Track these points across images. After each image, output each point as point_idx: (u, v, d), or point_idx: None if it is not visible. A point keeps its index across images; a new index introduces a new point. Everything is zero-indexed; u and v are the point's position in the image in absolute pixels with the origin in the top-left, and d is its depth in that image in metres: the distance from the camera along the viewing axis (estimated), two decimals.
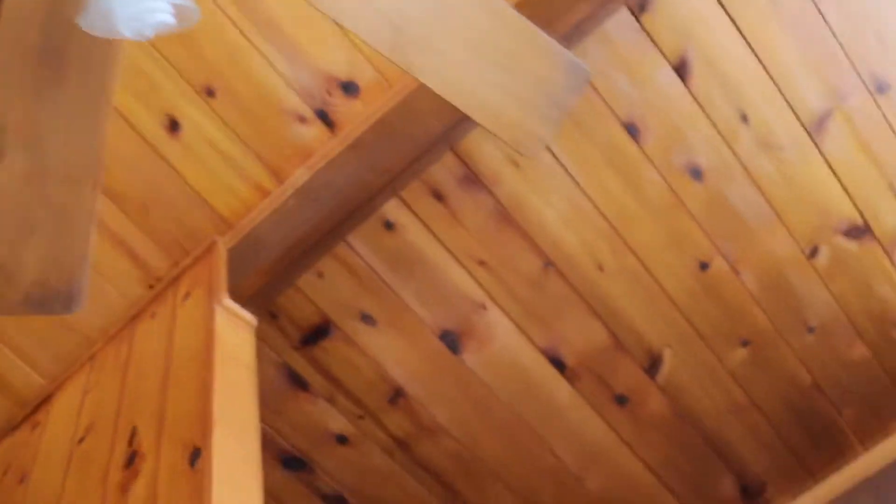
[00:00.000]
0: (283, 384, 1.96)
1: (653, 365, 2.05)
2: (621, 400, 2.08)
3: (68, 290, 1.13)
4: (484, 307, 1.91)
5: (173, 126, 1.77)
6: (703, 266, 1.95)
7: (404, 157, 1.65)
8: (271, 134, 1.77)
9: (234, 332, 1.62)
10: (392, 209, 1.80)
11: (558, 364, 2.01)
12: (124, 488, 1.42)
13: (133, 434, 1.53)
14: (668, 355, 2.04)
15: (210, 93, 1.75)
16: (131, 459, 1.47)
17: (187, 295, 1.75)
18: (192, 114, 1.77)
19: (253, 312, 1.69)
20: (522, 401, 2.05)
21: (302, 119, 1.76)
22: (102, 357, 1.89)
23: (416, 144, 1.66)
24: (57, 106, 0.98)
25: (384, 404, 2.00)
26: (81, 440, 1.69)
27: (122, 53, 0.97)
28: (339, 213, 1.66)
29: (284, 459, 2.06)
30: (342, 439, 2.04)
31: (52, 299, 1.13)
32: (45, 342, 1.99)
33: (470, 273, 1.87)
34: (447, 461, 2.12)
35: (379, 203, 1.70)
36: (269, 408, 2.00)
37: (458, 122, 1.65)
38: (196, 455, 1.31)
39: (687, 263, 1.94)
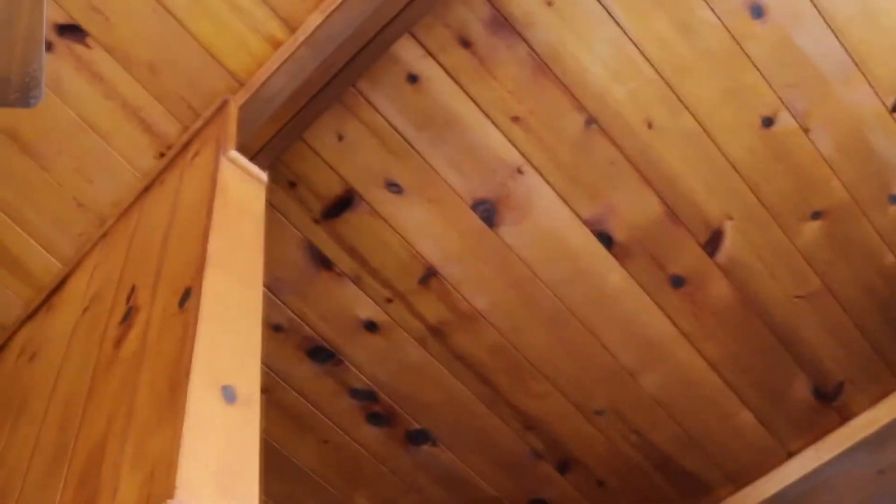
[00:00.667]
0: (306, 263, 1.82)
1: (712, 240, 1.85)
2: (677, 282, 1.88)
3: (21, 76, 0.99)
4: (520, 171, 1.73)
5: None
6: (767, 122, 1.73)
7: None
8: None
9: (240, 184, 1.48)
10: (416, 60, 1.63)
11: (605, 239, 1.82)
12: (118, 343, 1.30)
13: (132, 292, 1.40)
14: (728, 229, 1.83)
15: None
16: (127, 315, 1.35)
17: (196, 154, 1.62)
18: None
19: (271, 179, 1.55)
20: (568, 284, 1.87)
21: None
22: (113, 232, 1.78)
23: None
24: None
25: (415, 286, 1.85)
26: (85, 310, 1.58)
27: None
28: (350, 56, 1.50)
29: (311, 350, 1.93)
30: (371, 326, 1.90)
31: (6, 85, 0.99)
32: (61, 224, 1.89)
33: (503, 132, 1.69)
34: (487, 354, 1.96)
35: (392, 37, 1.52)
36: (293, 292, 1.86)
37: None
38: (186, 295, 1.18)
39: (749, 120, 1.73)
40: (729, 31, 1.65)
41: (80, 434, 1.16)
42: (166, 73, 1.71)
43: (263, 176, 1.54)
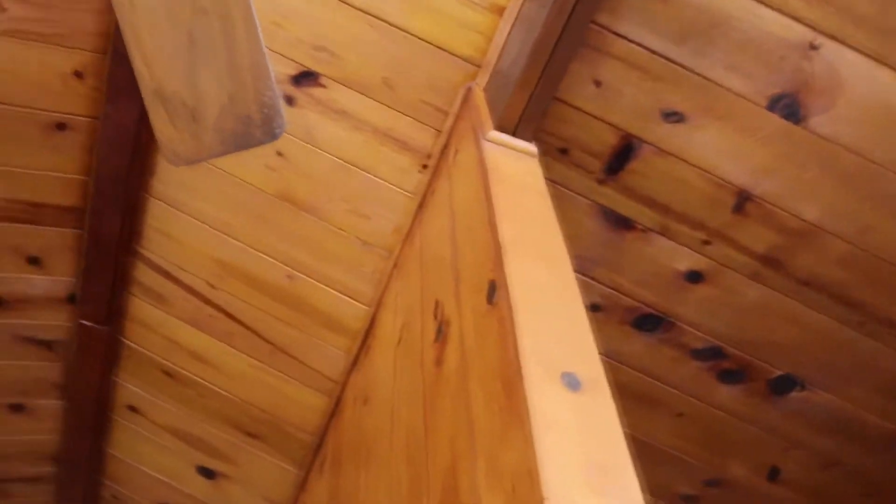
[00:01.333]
0: (604, 229, 1.65)
1: None
2: None
3: (260, 109, 0.93)
4: (813, 46, 1.44)
5: None
6: None
7: None
8: None
9: (512, 161, 1.35)
10: None
11: None
12: (438, 362, 1.21)
13: (437, 307, 1.32)
14: None
15: None
16: (439, 331, 1.26)
17: (456, 152, 1.53)
18: None
19: (539, 152, 1.42)
20: None
21: None
22: (403, 258, 1.73)
23: None
24: None
25: (730, 217, 1.61)
26: (399, 341, 1.53)
27: None
28: None
29: (636, 321, 1.75)
30: (695, 276, 1.68)
31: (248, 124, 0.94)
32: (353, 268, 1.89)
33: (778, 8, 1.41)
34: (837, 269, 1.66)
35: None
36: (600, 265, 1.70)
37: None
38: (492, 289, 1.06)
39: None
40: None
41: (428, 463, 1.08)
42: (402, 83, 1.64)
43: (532, 147, 1.41)
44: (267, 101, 0.97)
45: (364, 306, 1.91)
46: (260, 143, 0.99)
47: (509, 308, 0.98)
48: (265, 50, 0.92)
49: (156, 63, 0.79)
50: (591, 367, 0.94)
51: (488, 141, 1.37)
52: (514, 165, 1.34)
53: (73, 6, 1.73)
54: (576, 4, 1.36)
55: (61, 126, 1.91)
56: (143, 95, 0.80)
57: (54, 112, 1.88)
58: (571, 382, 0.90)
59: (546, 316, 0.99)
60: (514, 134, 1.41)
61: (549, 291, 1.05)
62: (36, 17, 1.74)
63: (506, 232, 1.11)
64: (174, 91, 0.83)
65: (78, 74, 1.83)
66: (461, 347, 1.12)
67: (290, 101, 1.72)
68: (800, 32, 1.44)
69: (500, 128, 1.40)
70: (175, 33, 0.82)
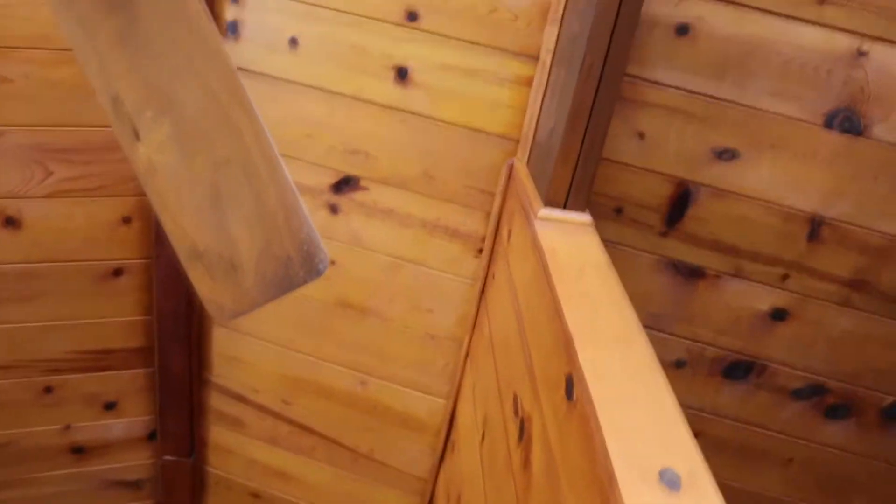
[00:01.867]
0: (675, 282, 1.57)
1: None
2: None
3: (298, 247, 0.89)
4: (861, 53, 1.36)
5: (400, 74, 1.54)
6: None
7: None
8: (494, 16, 1.45)
9: (567, 237, 1.30)
10: (674, 7, 1.37)
11: None
12: (525, 464, 1.15)
13: (515, 402, 1.26)
14: None
15: (412, 17, 1.49)
16: (521, 430, 1.19)
17: (510, 233, 1.48)
18: (409, 50, 1.52)
19: (595, 215, 1.36)
20: None
21: None
22: (473, 348, 1.68)
23: None
24: (146, 44, 0.76)
25: (805, 246, 1.51)
26: (483, 437, 1.46)
27: None
28: (605, 46, 1.27)
29: (726, 370, 1.66)
30: (779, 315, 1.59)
31: (289, 265, 0.90)
32: (425, 364, 1.84)
33: (816, 23, 1.34)
34: None
35: None
36: (678, 320, 1.62)
37: None
38: (570, 384, 1.00)
39: None
40: None
41: None
42: (442, 172, 1.60)
43: (587, 217, 1.35)
44: (304, 237, 0.93)
45: (441, 400, 1.85)
46: (304, 282, 0.95)
47: (591, 404, 0.91)
48: (292, 185, 0.89)
49: (185, 222, 0.76)
50: (690, 459, 0.86)
51: (540, 219, 1.32)
52: (571, 241, 1.28)
53: (111, 157, 1.76)
54: (605, 61, 1.32)
55: (117, 272, 1.92)
56: (178, 255, 0.77)
57: (109, 260, 1.90)
58: (671, 481, 0.82)
59: (631, 408, 0.92)
60: (564, 206, 1.35)
61: (629, 379, 0.98)
62: (80, 174, 1.76)
63: (573, 319, 1.05)
64: (207, 246, 0.80)
65: (126, 220, 1.85)
66: (547, 448, 1.05)
67: (333, 209, 1.70)
68: (844, 42, 1.37)
69: (550, 202, 1.35)
70: (200, 189, 0.80)
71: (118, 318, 2.01)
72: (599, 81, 1.28)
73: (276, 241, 0.86)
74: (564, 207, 1.35)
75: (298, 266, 0.91)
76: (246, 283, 0.88)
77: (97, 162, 1.76)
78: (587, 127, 1.31)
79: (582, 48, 1.28)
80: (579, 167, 1.35)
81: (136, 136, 0.79)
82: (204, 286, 0.85)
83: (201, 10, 0.80)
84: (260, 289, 0.92)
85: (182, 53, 0.80)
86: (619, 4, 1.23)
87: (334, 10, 1.54)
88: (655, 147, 1.47)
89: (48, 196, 1.76)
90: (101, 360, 2.08)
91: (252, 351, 1.99)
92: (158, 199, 0.76)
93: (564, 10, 1.36)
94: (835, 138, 1.42)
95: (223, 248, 0.82)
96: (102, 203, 1.81)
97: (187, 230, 0.78)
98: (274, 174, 0.83)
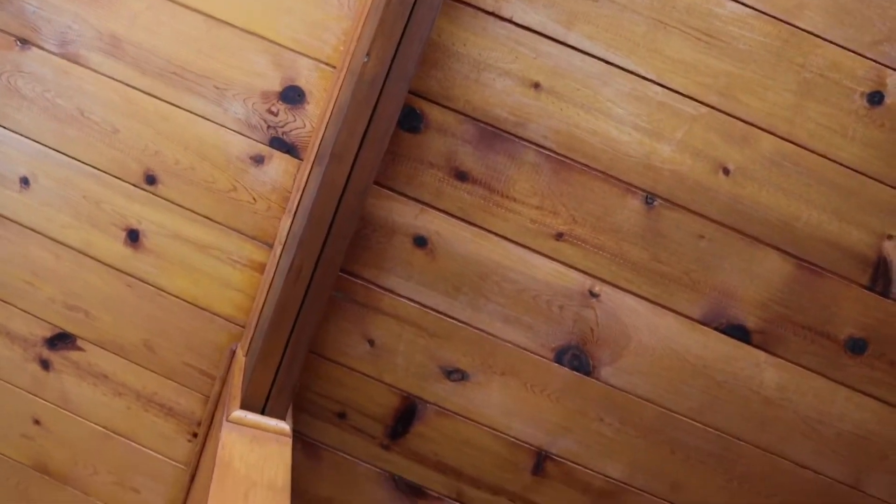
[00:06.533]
0: (394, 499, 1.46)
1: (877, 274, 1.36)
2: (857, 346, 1.40)
3: None
4: (593, 294, 1.34)
5: (132, 236, 1.42)
6: (874, 99, 1.28)
7: (381, 134, 1.18)
8: (233, 194, 1.37)
9: (251, 447, 1.18)
10: (414, 219, 1.32)
11: (737, 331, 1.38)
12: None
13: None
14: (892, 249, 1.35)
15: (151, 181, 1.39)
16: None
17: (217, 428, 1.34)
18: (143, 213, 1.41)
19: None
20: (714, 407, 1.42)
21: (257, 159, 1.36)
22: None
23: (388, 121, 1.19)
24: None
25: (530, 479, 1.45)
26: None
27: None
28: (339, 247, 1.19)
29: None
30: None
31: None
32: None
33: (551, 257, 1.32)
34: None
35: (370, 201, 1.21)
36: None
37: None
38: None
39: (846, 106, 1.29)
40: (765, 15, 1.26)
41: None
42: (164, 346, 1.47)
43: (284, 425, 1.23)
44: None
45: None
46: None
47: None
48: None
49: None
50: None
51: (230, 422, 1.20)
52: (254, 453, 1.16)
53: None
54: (317, 264, 1.22)
55: None
56: None
57: None
58: None
59: None
60: (263, 410, 1.24)
61: None
62: None
63: None
64: None
65: None
66: None
67: (45, 364, 1.53)
68: (577, 280, 1.35)
69: (247, 404, 1.23)
70: None
71: None
72: (309, 284, 1.20)
73: None
74: (263, 412, 1.24)
75: None
76: None
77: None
78: (292, 330, 1.22)
79: (294, 248, 1.21)
80: (282, 371, 1.24)
81: None
82: None
83: None
84: None
85: None
86: (338, 205, 1.17)
87: (72, 157, 1.42)
88: (385, 356, 1.39)
89: None
90: None
91: None
92: None
93: (298, 205, 1.29)
94: (564, 373, 1.38)
95: None
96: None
97: None
98: None
